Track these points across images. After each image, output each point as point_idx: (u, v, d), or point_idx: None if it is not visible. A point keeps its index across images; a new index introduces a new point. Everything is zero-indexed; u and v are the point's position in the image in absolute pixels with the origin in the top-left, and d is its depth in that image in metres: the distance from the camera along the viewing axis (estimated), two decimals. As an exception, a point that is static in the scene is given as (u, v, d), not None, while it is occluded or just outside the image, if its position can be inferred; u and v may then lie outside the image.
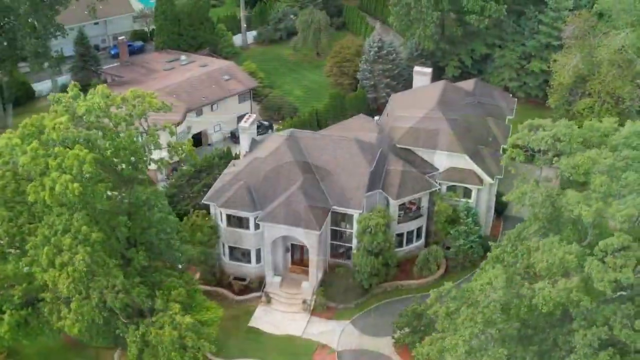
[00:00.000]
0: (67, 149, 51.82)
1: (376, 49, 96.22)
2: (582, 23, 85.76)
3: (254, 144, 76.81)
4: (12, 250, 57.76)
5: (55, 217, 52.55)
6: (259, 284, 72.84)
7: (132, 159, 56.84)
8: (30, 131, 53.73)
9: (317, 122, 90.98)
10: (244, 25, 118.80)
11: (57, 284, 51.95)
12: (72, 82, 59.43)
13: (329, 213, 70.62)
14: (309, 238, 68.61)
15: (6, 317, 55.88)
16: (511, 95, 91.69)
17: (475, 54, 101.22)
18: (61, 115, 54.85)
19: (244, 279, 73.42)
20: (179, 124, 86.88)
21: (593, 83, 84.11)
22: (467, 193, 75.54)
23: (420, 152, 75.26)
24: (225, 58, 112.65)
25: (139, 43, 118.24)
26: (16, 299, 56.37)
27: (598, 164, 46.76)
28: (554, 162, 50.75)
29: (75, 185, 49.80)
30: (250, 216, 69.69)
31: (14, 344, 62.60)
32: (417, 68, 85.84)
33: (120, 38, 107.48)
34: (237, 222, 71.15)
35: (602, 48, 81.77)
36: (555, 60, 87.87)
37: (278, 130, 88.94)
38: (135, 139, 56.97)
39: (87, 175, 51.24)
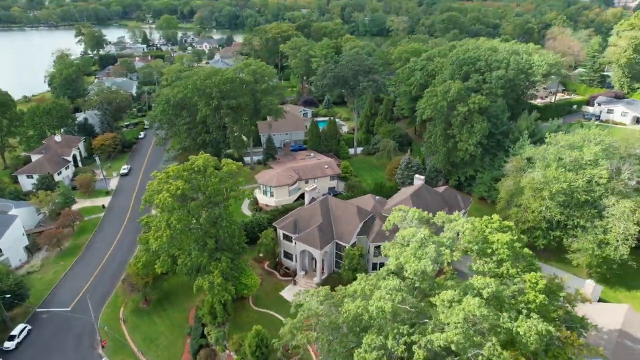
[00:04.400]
0: (173, 181, 52.87)
1: (404, 164, 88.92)
2: (516, 163, 73.19)
3: (312, 200, 73.61)
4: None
5: (164, 213, 53.51)
6: (295, 273, 68.69)
7: (215, 194, 56.38)
8: (165, 171, 55.56)
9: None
10: (355, 144, 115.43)
11: (153, 245, 52.53)
12: (202, 152, 60.49)
13: (333, 242, 65.36)
14: (315, 253, 63.72)
15: (143, 258, 57.54)
16: (471, 199, 79.80)
17: (467, 174, 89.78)
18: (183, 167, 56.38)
19: (288, 269, 69.77)
20: (291, 185, 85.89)
21: (519, 199, 71.07)
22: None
23: (395, 219, 67.56)
24: (343, 159, 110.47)
25: (305, 145, 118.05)
26: (152, 250, 56.67)
27: (415, 236, 38.71)
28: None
29: (170, 200, 50.40)
30: (293, 236, 66.37)
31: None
32: (416, 175, 77.73)
33: (285, 141, 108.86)
34: (287, 238, 68.04)
35: (525, 179, 69.15)
36: (502, 182, 75.86)
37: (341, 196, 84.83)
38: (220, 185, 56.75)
39: (184, 192, 51.52)
